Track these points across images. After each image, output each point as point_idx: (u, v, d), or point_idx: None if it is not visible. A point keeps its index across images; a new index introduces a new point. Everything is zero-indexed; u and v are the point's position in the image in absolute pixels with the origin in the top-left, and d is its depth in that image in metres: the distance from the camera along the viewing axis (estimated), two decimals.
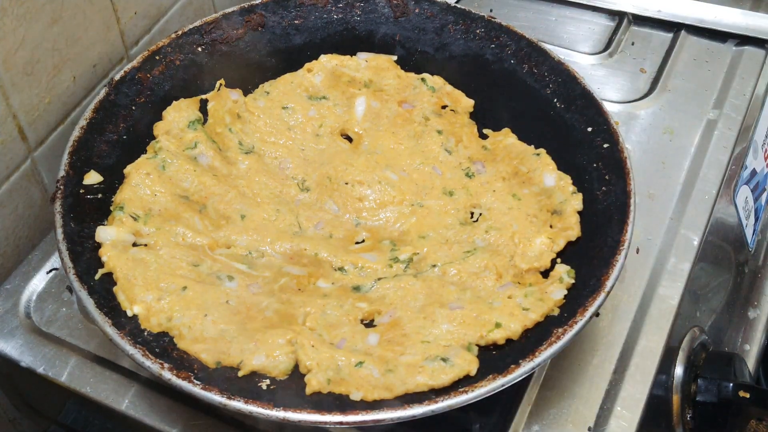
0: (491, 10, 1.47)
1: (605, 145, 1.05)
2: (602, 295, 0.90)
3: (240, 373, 0.87)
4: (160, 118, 1.10)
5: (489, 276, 0.99)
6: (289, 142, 1.15)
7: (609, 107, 1.09)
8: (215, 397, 0.82)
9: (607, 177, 1.02)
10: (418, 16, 1.23)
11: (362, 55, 1.21)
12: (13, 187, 1.10)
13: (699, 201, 1.17)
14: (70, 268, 0.92)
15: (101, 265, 0.94)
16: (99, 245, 0.96)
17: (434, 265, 1.01)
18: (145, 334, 0.89)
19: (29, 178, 1.12)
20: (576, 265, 0.96)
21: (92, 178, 1.02)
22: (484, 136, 1.16)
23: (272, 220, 1.06)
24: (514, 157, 1.10)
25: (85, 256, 0.94)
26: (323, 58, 1.21)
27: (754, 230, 1.38)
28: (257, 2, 1.22)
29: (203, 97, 1.15)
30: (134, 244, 0.97)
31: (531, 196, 1.06)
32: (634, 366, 1.00)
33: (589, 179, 1.04)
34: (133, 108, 1.10)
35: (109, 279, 0.93)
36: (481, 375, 0.86)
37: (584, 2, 1.47)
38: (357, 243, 1.06)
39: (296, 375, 0.88)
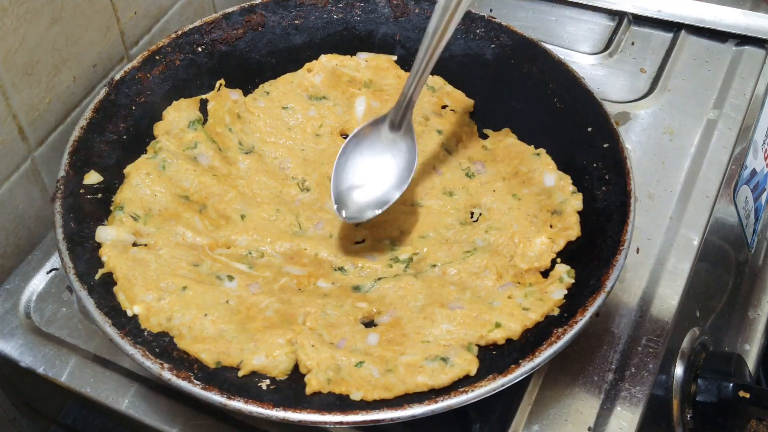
0: (491, 10, 1.47)
1: (605, 145, 1.05)
2: (602, 295, 0.90)
3: (240, 373, 0.87)
4: (160, 118, 1.10)
5: (489, 276, 0.99)
6: (289, 142, 1.15)
7: (609, 107, 1.09)
8: (215, 397, 0.83)
9: (607, 177, 1.02)
10: (418, 16, 1.23)
11: (362, 55, 1.21)
12: (13, 187, 1.10)
13: (699, 201, 1.17)
14: (70, 268, 0.92)
15: (101, 265, 0.94)
16: (99, 245, 0.96)
17: (434, 265, 1.01)
18: (145, 334, 0.89)
19: (29, 178, 1.12)
20: (576, 265, 0.96)
21: (92, 178, 1.02)
22: (484, 136, 1.16)
23: (272, 220, 1.05)
24: (514, 157, 1.10)
25: (85, 256, 0.94)
26: (323, 58, 1.21)
27: (754, 230, 1.38)
28: (257, 2, 1.21)
29: (203, 97, 1.15)
30: (134, 244, 0.98)
31: (531, 196, 1.06)
32: (634, 366, 1.00)
33: (589, 179, 1.04)
34: (133, 108, 1.10)
35: (109, 279, 0.93)
36: (481, 375, 0.86)
37: (584, 2, 1.47)
38: (357, 243, 1.05)
39: (296, 375, 0.88)
